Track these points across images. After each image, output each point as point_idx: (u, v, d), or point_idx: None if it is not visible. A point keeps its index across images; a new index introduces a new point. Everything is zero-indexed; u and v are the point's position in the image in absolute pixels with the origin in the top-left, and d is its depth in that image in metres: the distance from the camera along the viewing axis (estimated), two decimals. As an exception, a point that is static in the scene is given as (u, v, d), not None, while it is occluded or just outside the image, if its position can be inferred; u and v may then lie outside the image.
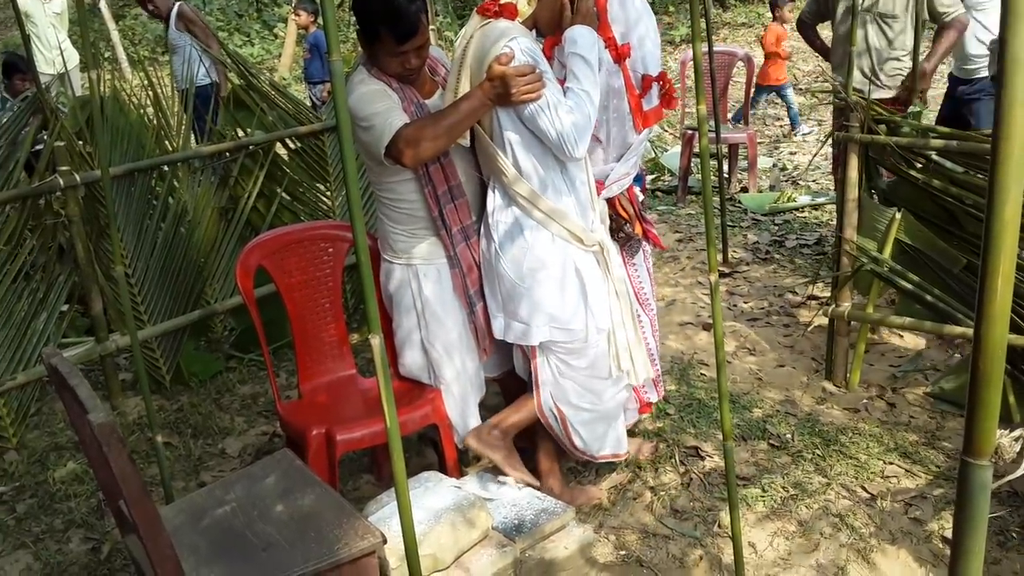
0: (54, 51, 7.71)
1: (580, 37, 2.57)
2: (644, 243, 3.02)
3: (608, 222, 2.86)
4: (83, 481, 3.32)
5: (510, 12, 2.60)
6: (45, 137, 3.67)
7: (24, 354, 3.59)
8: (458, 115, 2.52)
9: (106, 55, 11.44)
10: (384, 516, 2.43)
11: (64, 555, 2.92)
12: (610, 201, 2.88)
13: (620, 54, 2.74)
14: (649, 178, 6.82)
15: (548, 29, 2.72)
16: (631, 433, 3.24)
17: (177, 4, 6.27)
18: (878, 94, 4.44)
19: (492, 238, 2.68)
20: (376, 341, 1.76)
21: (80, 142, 3.78)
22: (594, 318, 2.71)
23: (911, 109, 3.97)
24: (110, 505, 2.20)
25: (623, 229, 2.90)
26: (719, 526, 2.86)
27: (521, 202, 2.61)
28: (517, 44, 2.49)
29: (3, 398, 3.53)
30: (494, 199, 2.67)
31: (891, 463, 3.15)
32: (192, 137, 4.20)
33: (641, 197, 2.99)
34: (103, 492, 2.32)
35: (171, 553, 1.87)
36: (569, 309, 2.68)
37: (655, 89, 2.83)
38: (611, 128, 2.80)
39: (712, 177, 6.22)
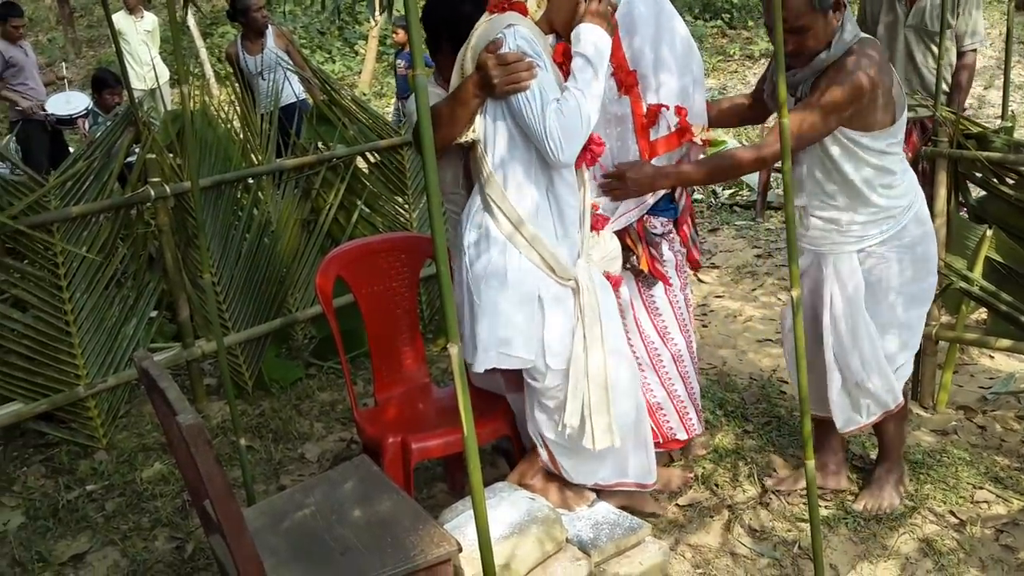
0: (146, 67, 8.01)
1: (584, 34, 2.41)
2: (673, 279, 2.88)
3: (620, 256, 2.72)
4: (169, 482, 3.42)
5: (519, 9, 2.47)
6: (137, 150, 3.81)
7: (115, 358, 3.73)
8: (449, 106, 2.41)
9: (194, 71, 11.84)
10: (459, 524, 2.44)
11: (150, 553, 3.01)
12: (619, 231, 2.78)
13: (624, 82, 2.64)
14: (727, 192, 6.73)
15: (565, 32, 2.52)
16: (664, 461, 3.16)
17: (270, 24, 6.44)
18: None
19: (461, 246, 2.52)
20: (455, 350, 1.77)
21: (170, 155, 3.92)
22: (550, 356, 2.50)
23: (1002, 124, 3.84)
24: (195, 505, 2.27)
25: (630, 260, 2.81)
26: (799, 547, 2.79)
27: (494, 209, 2.44)
28: (512, 32, 2.36)
29: (94, 400, 3.67)
30: (472, 202, 2.53)
31: (981, 488, 3.04)
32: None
33: (665, 229, 2.84)
34: (189, 492, 2.39)
35: (254, 553, 1.91)
36: (521, 338, 2.47)
37: (664, 119, 2.71)
38: (613, 157, 2.71)
39: (792, 192, 6.09)
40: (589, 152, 2.50)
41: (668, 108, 2.69)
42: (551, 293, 2.49)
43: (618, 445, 2.59)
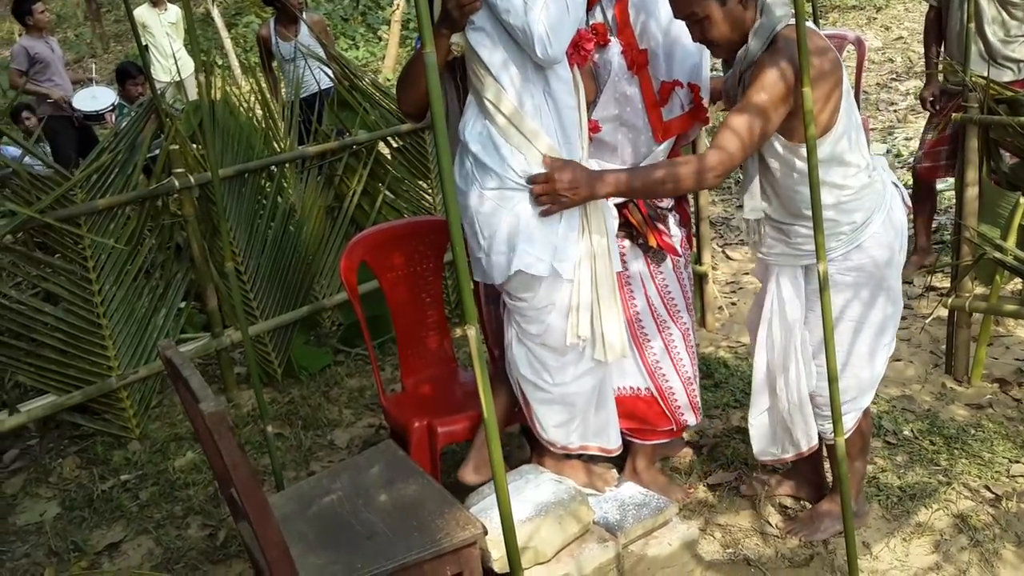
0: (170, 60, 8.06)
1: None
2: (684, 250, 2.81)
3: (616, 223, 2.64)
4: (201, 470, 3.46)
5: None
6: (163, 140, 3.84)
7: (145, 349, 3.77)
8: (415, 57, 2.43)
9: (219, 62, 11.90)
10: (485, 507, 2.43)
11: (183, 540, 3.05)
12: (620, 208, 2.70)
13: (635, 61, 2.57)
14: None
15: None
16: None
17: (305, 12, 6.46)
18: (996, 75, 4.16)
19: (465, 163, 2.40)
20: (472, 332, 1.76)
21: (194, 145, 3.94)
22: (559, 260, 2.39)
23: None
24: (223, 492, 2.28)
25: (638, 240, 2.75)
26: (830, 525, 2.76)
27: (491, 110, 2.33)
28: None
29: (126, 390, 3.71)
30: (467, 113, 2.41)
31: (1017, 462, 2.98)
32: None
33: (670, 203, 2.78)
34: (217, 480, 2.41)
35: (279, 539, 1.92)
36: (542, 238, 2.37)
37: (678, 97, 2.63)
38: (624, 135, 2.64)
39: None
40: (583, 50, 2.44)
41: (682, 86, 2.63)
42: None
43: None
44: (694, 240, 3.90)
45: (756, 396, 2.68)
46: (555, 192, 2.29)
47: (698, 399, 2.90)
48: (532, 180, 2.32)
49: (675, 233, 2.80)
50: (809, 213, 2.35)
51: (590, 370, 2.58)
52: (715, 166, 2.25)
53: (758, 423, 2.70)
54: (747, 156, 2.33)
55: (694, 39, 2.41)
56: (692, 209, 3.21)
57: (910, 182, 5.85)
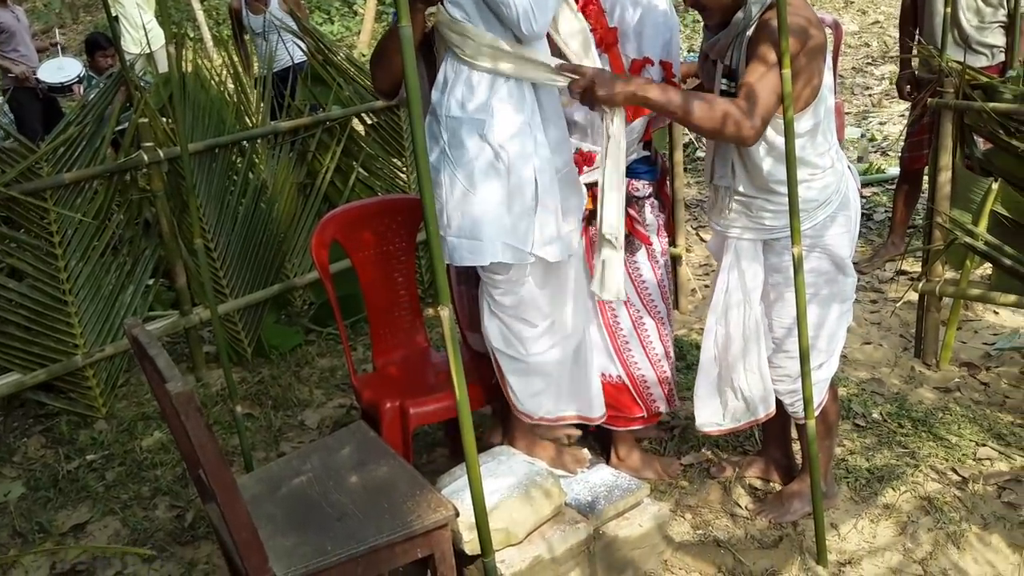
0: (140, 31, 7.90)
1: None
2: (654, 242, 2.76)
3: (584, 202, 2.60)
4: (169, 450, 3.42)
5: None
6: (132, 113, 3.76)
7: (112, 326, 3.70)
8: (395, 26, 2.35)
9: (191, 35, 11.71)
10: (457, 489, 2.43)
11: (150, 521, 3.01)
12: (590, 189, 2.64)
13: (604, 39, 2.53)
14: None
15: None
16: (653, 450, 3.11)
17: None
18: (971, 61, 4.17)
19: (441, 142, 2.35)
20: (445, 313, 1.75)
21: (164, 119, 3.86)
22: (535, 242, 2.38)
23: (1010, 73, 3.75)
24: (191, 473, 2.25)
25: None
26: (800, 507, 2.78)
27: (494, 56, 2.28)
28: None
29: (93, 369, 3.65)
30: (452, 89, 2.33)
31: (984, 445, 3.01)
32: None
33: (647, 191, 2.73)
34: (184, 460, 2.38)
35: (247, 521, 1.89)
36: (516, 221, 2.36)
37: (649, 75, 2.57)
38: (595, 114, 2.53)
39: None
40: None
41: (653, 63, 2.59)
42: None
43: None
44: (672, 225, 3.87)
45: (706, 366, 2.65)
46: (592, 86, 2.18)
47: (673, 390, 2.86)
48: (566, 70, 2.22)
49: (650, 222, 2.75)
50: (774, 188, 2.39)
51: (564, 339, 2.60)
52: (748, 128, 2.16)
53: (704, 393, 2.68)
54: (769, 121, 2.23)
55: (686, 4, 2.38)
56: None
57: (892, 169, 5.89)
